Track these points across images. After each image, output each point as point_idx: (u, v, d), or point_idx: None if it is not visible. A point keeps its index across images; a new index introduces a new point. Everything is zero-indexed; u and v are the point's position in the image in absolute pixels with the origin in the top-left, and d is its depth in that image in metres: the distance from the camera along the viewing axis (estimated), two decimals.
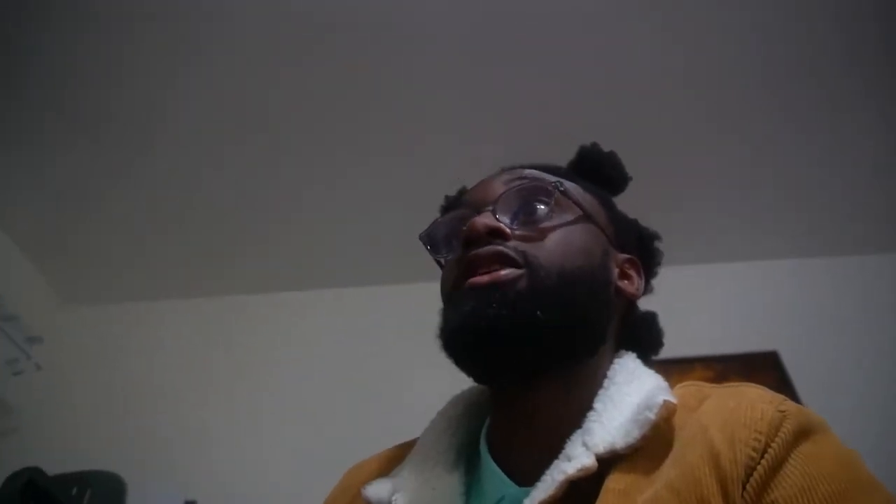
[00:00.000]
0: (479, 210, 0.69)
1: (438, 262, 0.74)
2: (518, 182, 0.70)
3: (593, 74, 1.87)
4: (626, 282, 0.73)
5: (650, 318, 0.78)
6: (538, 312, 0.61)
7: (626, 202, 0.82)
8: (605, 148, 0.82)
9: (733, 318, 2.23)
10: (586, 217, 0.70)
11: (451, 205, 0.81)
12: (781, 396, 0.59)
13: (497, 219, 0.67)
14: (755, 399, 0.58)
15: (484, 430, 0.70)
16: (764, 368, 2.10)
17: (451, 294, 0.67)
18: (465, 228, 0.67)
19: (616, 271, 0.72)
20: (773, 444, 0.53)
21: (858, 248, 2.35)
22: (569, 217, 0.69)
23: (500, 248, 0.64)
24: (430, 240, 0.74)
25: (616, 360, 0.68)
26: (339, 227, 2.23)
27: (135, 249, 2.25)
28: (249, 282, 2.37)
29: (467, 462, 0.70)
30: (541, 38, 1.79)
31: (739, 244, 2.35)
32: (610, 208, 0.77)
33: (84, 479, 1.39)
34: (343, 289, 2.38)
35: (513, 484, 0.62)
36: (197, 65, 1.78)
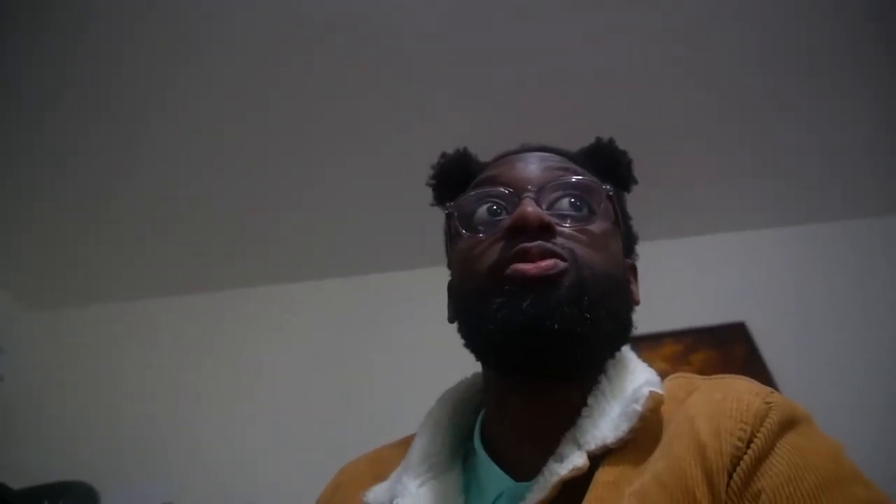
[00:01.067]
0: (518, 192, 0.67)
1: (460, 235, 0.70)
2: (562, 173, 0.69)
3: (576, 58, 1.87)
4: (633, 288, 0.74)
5: None
6: (591, 315, 0.60)
7: None
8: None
9: (701, 292, 2.26)
10: (617, 224, 0.71)
11: (450, 168, 0.78)
12: (769, 389, 0.60)
13: (545, 209, 0.65)
14: (742, 391, 0.59)
15: (478, 427, 0.70)
16: (733, 340, 2.13)
17: (493, 279, 0.63)
18: (514, 215, 0.64)
19: (630, 278, 0.73)
20: (758, 435, 0.54)
21: (823, 216, 2.38)
22: (607, 224, 0.69)
23: (550, 245, 0.62)
24: (461, 213, 0.70)
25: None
26: (327, 218, 2.21)
27: (97, 251, 2.20)
28: (221, 280, 2.34)
29: (462, 459, 0.70)
30: (531, 32, 1.79)
31: (705, 217, 2.37)
32: (626, 213, 0.77)
33: (55, 491, 1.36)
34: (321, 281, 2.36)
35: (510, 479, 0.62)
36: (179, 56, 1.75)
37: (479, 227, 0.68)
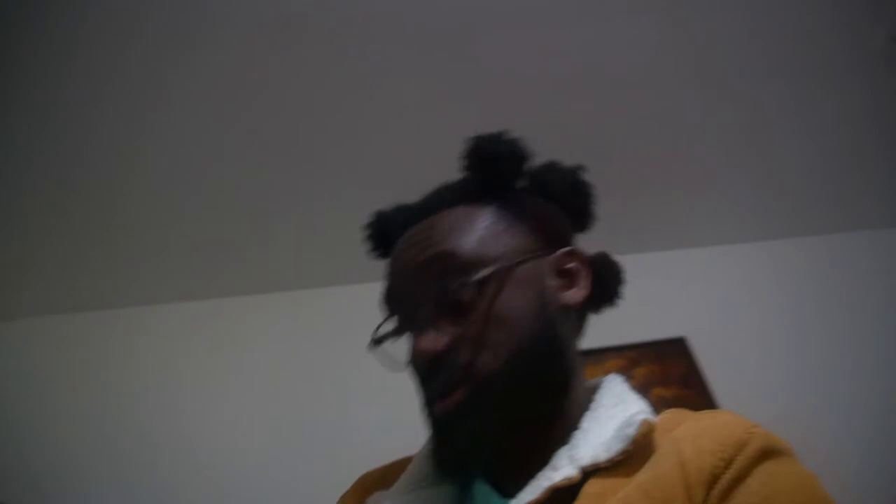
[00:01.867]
0: (403, 326, 0.71)
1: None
2: (433, 269, 0.68)
3: (560, 66, 1.87)
4: (572, 291, 0.72)
5: (607, 271, 0.78)
6: (499, 419, 0.64)
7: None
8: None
9: (643, 307, 2.28)
10: (507, 269, 0.68)
11: (374, 238, 0.81)
12: (754, 422, 0.62)
13: (432, 337, 0.67)
14: (728, 421, 0.61)
15: None
16: (673, 355, 2.17)
17: (424, 415, 0.70)
18: (408, 361, 0.70)
19: (556, 284, 0.71)
20: (738, 458, 0.57)
21: (762, 234, 2.46)
22: (493, 287, 0.67)
23: (446, 382, 0.65)
24: (383, 354, 0.75)
25: (604, 384, 0.72)
26: (314, 228, 2.17)
27: (57, 262, 2.12)
28: (183, 289, 2.28)
29: (462, 478, 0.73)
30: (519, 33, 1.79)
31: (648, 235, 2.41)
32: (522, 216, 0.73)
33: None
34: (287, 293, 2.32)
35: (498, 496, 0.66)
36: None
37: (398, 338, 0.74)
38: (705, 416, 0.64)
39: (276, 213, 2.13)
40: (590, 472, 0.60)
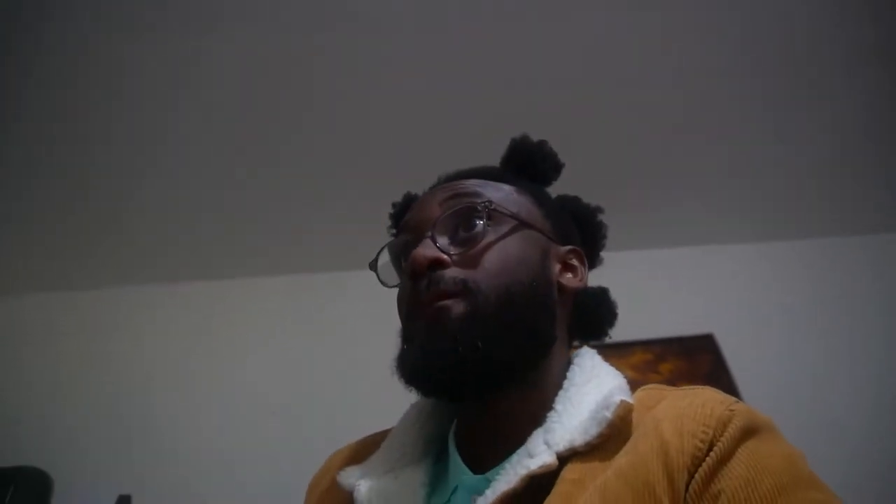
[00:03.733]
0: (419, 234, 0.71)
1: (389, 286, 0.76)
2: (453, 202, 0.72)
3: (559, 61, 1.86)
4: (569, 276, 0.75)
5: (601, 297, 0.77)
6: (479, 343, 0.63)
7: (562, 188, 0.83)
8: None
9: (671, 302, 2.28)
10: (521, 224, 0.72)
11: (399, 214, 0.83)
12: (733, 398, 0.61)
13: (437, 246, 0.68)
14: (707, 399, 0.60)
15: (454, 425, 0.73)
16: (700, 351, 2.15)
17: (405, 325, 0.70)
18: (407, 263, 0.69)
19: (558, 267, 0.74)
20: (721, 439, 0.56)
21: (794, 233, 2.43)
22: (504, 229, 0.70)
23: (442, 280, 0.66)
24: (380, 268, 0.76)
25: (575, 360, 0.71)
26: (314, 213, 2.19)
27: (64, 239, 2.15)
28: (189, 270, 2.30)
29: (437, 454, 0.73)
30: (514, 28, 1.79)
31: (677, 230, 2.39)
32: (544, 203, 0.78)
33: (6, 476, 1.32)
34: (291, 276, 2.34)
35: (468, 471, 0.66)
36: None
37: (392, 279, 0.75)
38: (686, 394, 0.62)
39: (296, 198, 2.15)
40: (566, 456, 0.59)
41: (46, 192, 2.01)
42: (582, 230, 0.82)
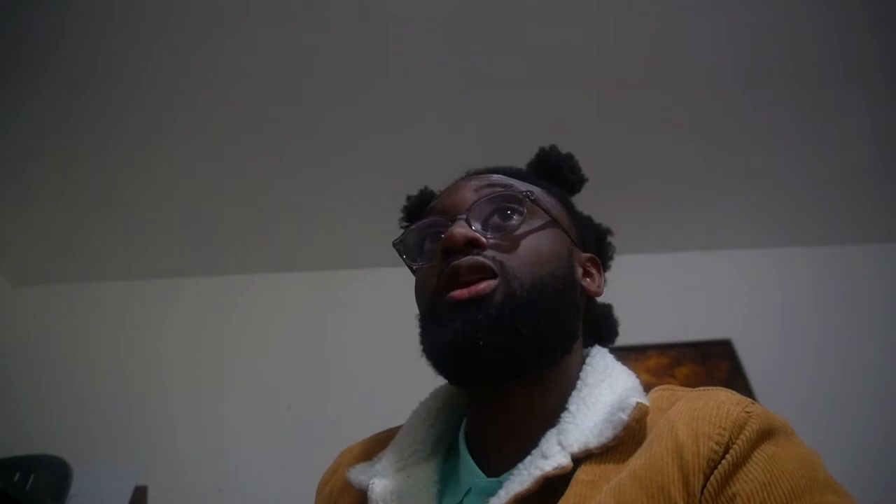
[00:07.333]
0: (452, 218, 0.70)
1: (411, 269, 0.74)
2: (489, 190, 0.72)
3: (572, 64, 1.86)
4: (588, 280, 0.75)
5: (608, 311, 0.82)
6: (519, 328, 0.63)
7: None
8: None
9: (688, 307, 2.27)
10: (553, 222, 0.72)
11: (414, 206, 0.83)
12: (749, 400, 0.60)
13: (472, 228, 0.68)
14: (723, 400, 0.59)
15: (463, 424, 0.73)
16: (717, 356, 2.14)
17: (434, 306, 0.68)
18: (443, 237, 0.68)
19: (580, 271, 0.74)
20: (737, 442, 0.55)
21: (812, 240, 2.41)
22: (538, 223, 0.71)
23: (479, 258, 0.65)
24: (405, 247, 0.75)
25: (587, 360, 0.71)
26: (323, 212, 2.20)
27: (84, 230, 2.18)
28: (208, 265, 2.33)
29: (447, 453, 0.73)
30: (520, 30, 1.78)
31: (695, 234, 2.37)
32: (571, 210, 0.79)
33: (27, 464, 1.34)
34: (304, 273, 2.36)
35: (481, 474, 0.65)
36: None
37: (425, 256, 0.73)
38: (701, 395, 0.62)
39: (307, 195, 2.16)
40: (581, 458, 0.59)
41: (75, 187, 2.04)
42: (597, 248, 0.83)
